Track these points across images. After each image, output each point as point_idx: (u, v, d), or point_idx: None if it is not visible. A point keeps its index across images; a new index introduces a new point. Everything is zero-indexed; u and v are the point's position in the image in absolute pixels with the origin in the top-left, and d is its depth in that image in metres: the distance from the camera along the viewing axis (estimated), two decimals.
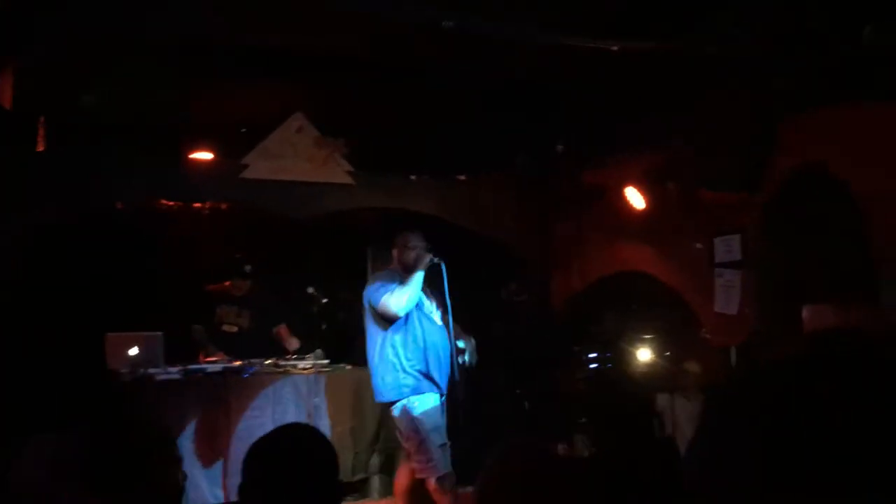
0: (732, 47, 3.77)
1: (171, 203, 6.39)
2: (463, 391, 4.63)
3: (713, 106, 4.35)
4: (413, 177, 5.97)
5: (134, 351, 5.04)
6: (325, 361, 5.61)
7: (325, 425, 5.18)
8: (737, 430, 1.06)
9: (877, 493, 0.91)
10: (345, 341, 6.24)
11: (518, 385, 6.10)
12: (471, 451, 4.40)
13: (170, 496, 2.34)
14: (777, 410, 1.03)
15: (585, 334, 5.94)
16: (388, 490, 5.52)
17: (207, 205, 6.58)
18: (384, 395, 4.51)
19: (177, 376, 5.04)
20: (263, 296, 5.95)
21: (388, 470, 5.57)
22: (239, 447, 4.86)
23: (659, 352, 5.21)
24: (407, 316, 4.47)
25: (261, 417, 5.06)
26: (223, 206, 6.54)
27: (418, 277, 4.46)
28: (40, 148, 4.89)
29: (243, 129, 5.48)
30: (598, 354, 5.72)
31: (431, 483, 4.38)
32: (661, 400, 4.99)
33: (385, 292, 4.44)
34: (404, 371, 4.44)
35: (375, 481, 5.59)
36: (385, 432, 5.53)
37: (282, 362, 5.52)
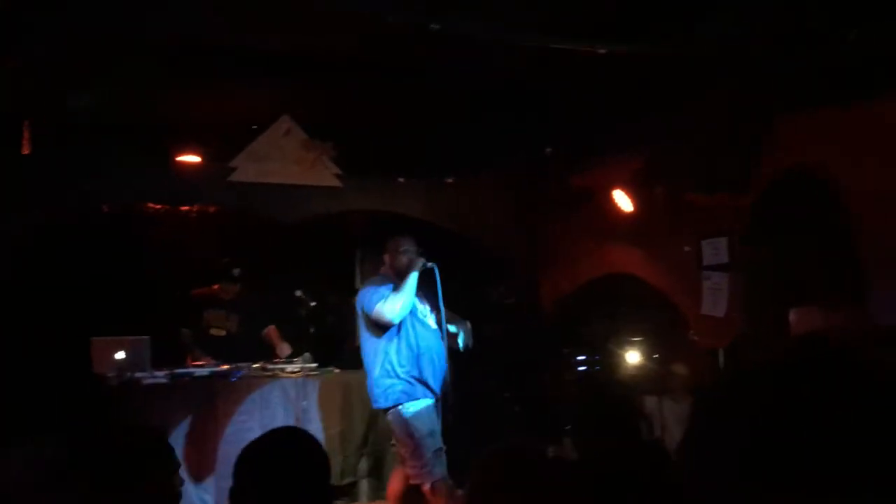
0: (721, 49, 3.78)
1: (159, 206, 6.36)
2: (452, 395, 4.62)
3: (701, 108, 4.36)
4: (401, 179, 5.97)
5: (120, 355, 5.01)
6: (314, 365, 5.59)
7: (313, 429, 5.16)
8: (725, 431, 1.06)
9: (866, 494, 0.91)
10: (333, 344, 6.23)
11: (507, 388, 6.10)
12: (459, 454, 4.40)
13: (168, 502, 2.34)
14: (765, 412, 1.03)
15: (574, 336, 5.95)
16: (376, 494, 5.51)
17: (195, 208, 6.55)
18: (379, 400, 4.49)
19: (164, 380, 5.01)
20: (252, 299, 5.93)
21: (376, 473, 5.56)
22: (227, 451, 4.85)
23: (647, 354, 5.22)
24: (401, 321, 4.46)
25: (249, 421, 5.04)
26: (211, 209, 6.51)
27: (412, 283, 4.43)
28: (25, 150, 4.85)
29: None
30: (587, 357, 5.73)
31: (427, 488, 4.36)
32: (650, 402, 5.00)
33: (378, 299, 4.41)
34: (398, 376, 4.42)
35: (364, 485, 5.57)
36: (374, 436, 5.52)
37: (270, 366, 5.50)
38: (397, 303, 4.38)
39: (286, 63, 4.48)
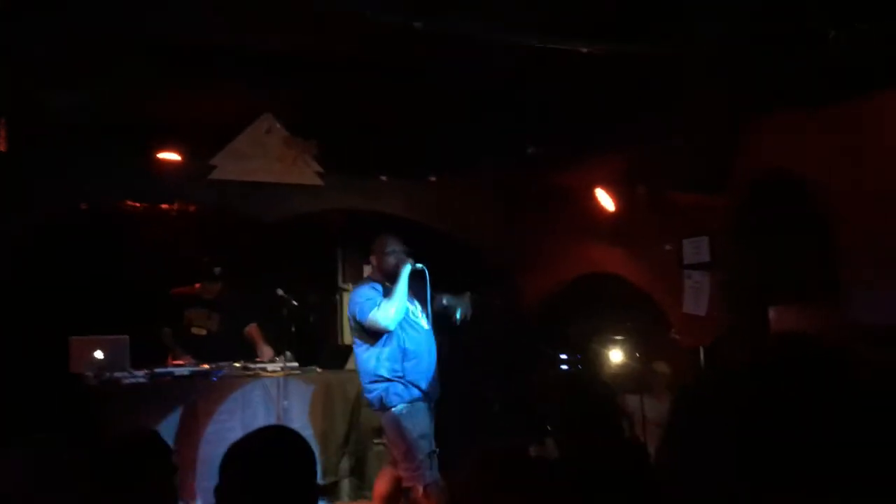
0: (704, 48, 3.79)
1: (139, 204, 6.30)
2: (437, 394, 4.60)
3: (682, 108, 4.38)
4: (383, 178, 5.95)
5: (99, 354, 4.96)
6: (295, 364, 5.56)
7: (294, 428, 5.12)
8: (705, 429, 1.06)
9: (846, 488, 0.92)
10: (314, 343, 6.20)
11: (488, 387, 6.09)
12: (442, 454, 4.40)
13: (167, 502, 2.33)
14: (745, 410, 1.03)
15: (556, 335, 5.96)
16: (358, 493, 5.49)
17: (175, 206, 6.50)
18: (373, 403, 4.47)
19: (143, 380, 4.97)
20: (233, 298, 5.90)
21: (358, 473, 5.54)
22: (208, 451, 4.82)
23: (629, 353, 5.24)
24: None
25: (230, 421, 5.01)
26: (192, 207, 6.46)
27: (403, 287, 4.40)
28: (1, 148, 4.79)
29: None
30: (569, 356, 5.73)
31: (419, 491, 4.32)
32: (631, 401, 5.02)
33: (371, 306, 4.36)
34: (390, 379, 4.38)
35: (346, 484, 5.55)
36: (355, 435, 5.51)
37: (251, 365, 5.47)
38: (391, 308, 4.34)
39: (274, 62, 4.44)
